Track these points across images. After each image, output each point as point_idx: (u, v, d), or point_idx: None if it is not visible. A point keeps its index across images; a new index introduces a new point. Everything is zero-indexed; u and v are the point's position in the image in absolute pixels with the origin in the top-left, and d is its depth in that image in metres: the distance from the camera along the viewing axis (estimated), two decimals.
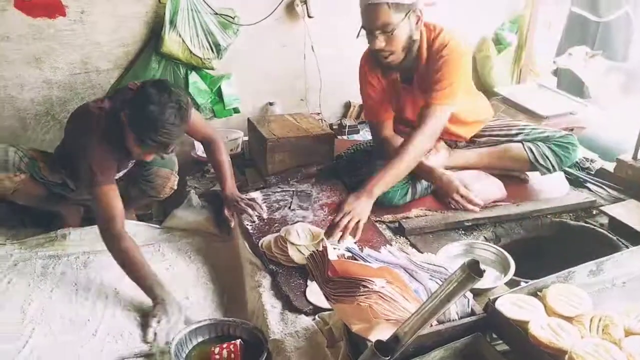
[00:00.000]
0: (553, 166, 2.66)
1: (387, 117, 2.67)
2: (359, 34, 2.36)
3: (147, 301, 2.24)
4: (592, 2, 4.30)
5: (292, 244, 2.20)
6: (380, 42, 2.31)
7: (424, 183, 2.62)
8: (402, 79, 2.58)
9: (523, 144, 2.69)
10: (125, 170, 2.63)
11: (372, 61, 2.56)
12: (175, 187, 2.82)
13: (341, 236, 2.13)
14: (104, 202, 2.22)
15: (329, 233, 2.14)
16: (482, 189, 2.56)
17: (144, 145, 2.23)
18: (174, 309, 2.15)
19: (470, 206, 2.46)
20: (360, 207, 2.18)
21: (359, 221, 2.16)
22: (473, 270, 1.05)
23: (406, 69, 2.51)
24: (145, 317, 2.15)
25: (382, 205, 2.55)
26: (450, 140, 2.77)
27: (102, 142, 2.26)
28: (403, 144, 2.39)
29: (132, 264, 2.21)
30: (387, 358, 1.13)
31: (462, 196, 2.46)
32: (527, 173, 2.77)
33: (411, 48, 2.41)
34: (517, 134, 2.72)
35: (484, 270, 1.07)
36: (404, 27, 2.30)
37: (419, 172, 2.53)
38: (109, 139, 2.27)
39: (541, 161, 2.65)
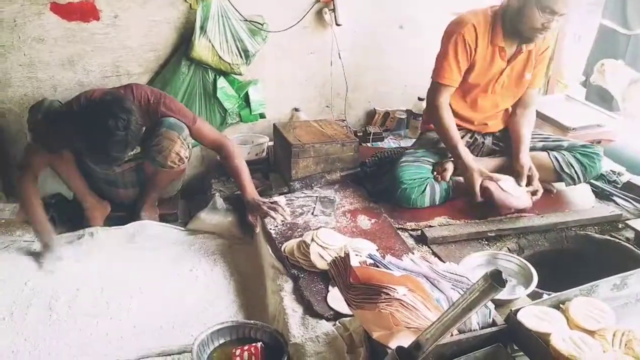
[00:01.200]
0: (578, 176, 2.65)
1: (454, 83, 2.70)
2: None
3: (171, 298, 2.28)
4: (623, 15, 4.26)
5: (321, 246, 2.21)
6: (553, 25, 2.48)
7: (443, 184, 2.65)
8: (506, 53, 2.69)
9: (548, 153, 2.68)
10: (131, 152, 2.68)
11: (480, 22, 2.64)
12: (183, 156, 2.69)
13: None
14: (31, 155, 2.60)
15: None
16: (511, 189, 2.57)
17: (89, 159, 2.58)
18: (52, 258, 2.55)
19: (502, 195, 2.52)
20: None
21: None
22: (495, 280, 1.05)
23: (514, 42, 2.67)
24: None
25: (400, 203, 2.60)
26: (481, 132, 2.89)
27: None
28: (519, 123, 2.77)
29: (26, 203, 2.63)
30: None
31: (490, 179, 2.54)
32: (554, 184, 2.75)
33: None
34: (540, 142, 2.74)
35: (507, 281, 1.07)
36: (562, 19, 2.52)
37: (454, 154, 2.66)
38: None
39: (566, 169, 2.65)
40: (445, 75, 2.66)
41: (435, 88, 2.71)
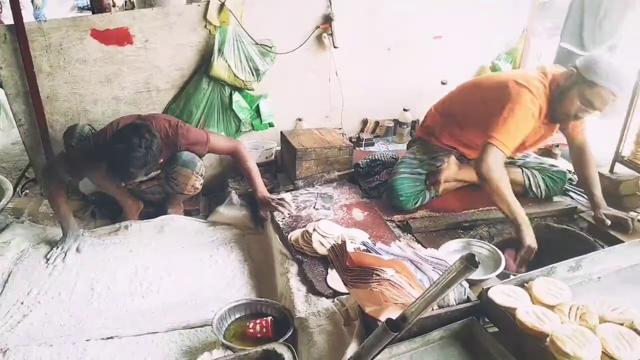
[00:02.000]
0: (542, 195, 2.64)
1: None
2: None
3: (194, 279, 2.28)
4: (579, 38, 4.26)
5: (321, 235, 2.21)
6: (587, 117, 2.30)
7: (433, 192, 2.61)
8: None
9: (522, 170, 2.66)
10: (154, 173, 2.65)
11: (546, 107, 2.31)
12: (199, 186, 2.71)
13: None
14: (61, 165, 2.51)
15: None
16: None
17: (109, 175, 2.45)
18: (69, 240, 2.56)
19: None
20: None
21: None
22: (470, 262, 1.05)
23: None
24: None
25: (395, 209, 2.56)
26: (464, 154, 2.71)
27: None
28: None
29: (51, 197, 2.60)
30: (396, 333, 1.14)
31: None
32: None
33: None
34: (519, 160, 2.70)
35: (479, 262, 1.07)
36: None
37: (516, 224, 2.18)
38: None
39: (534, 189, 2.64)
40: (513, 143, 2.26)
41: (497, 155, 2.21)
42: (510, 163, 2.63)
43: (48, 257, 2.50)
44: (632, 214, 2.43)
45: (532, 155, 2.78)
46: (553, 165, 2.73)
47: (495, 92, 2.35)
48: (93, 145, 2.50)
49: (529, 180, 2.64)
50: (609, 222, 2.30)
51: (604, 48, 4.20)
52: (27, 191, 3.25)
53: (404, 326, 1.14)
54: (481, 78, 2.69)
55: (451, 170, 2.62)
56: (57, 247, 2.54)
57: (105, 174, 2.47)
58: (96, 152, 2.45)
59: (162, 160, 2.52)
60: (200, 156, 2.69)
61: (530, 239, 2.13)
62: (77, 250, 2.55)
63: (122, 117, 2.63)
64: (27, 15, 2.63)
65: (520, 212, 2.16)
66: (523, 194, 2.63)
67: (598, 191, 2.42)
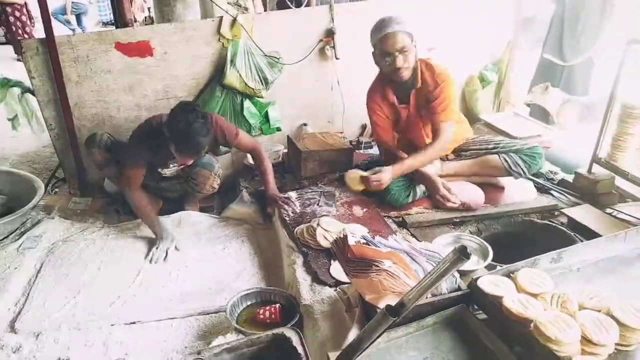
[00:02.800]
0: (524, 171, 2.62)
1: (390, 137, 2.69)
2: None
3: (209, 270, 2.28)
4: (560, 50, 4.25)
5: (324, 229, 2.21)
6: (400, 61, 2.39)
7: (422, 187, 2.61)
8: (400, 101, 2.61)
9: (499, 155, 2.65)
10: (174, 169, 2.71)
11: (377, 91, 2.62)
12: (216, 186, 2.78)
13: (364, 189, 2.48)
14: (129, 176, 2.53)
15: (365, 182, 2.44)
16: (463, 194, 2.50)
17: (181, 153, 2.38)
18: (167, 241, 2.49)
19: (448, 204, 2.46)
20: (384, 176, 2.41)
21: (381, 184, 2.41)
22: (462, 253, 1.06)
23: (405, 88, 2.55)
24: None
25: (389, 204, 2.55)
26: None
27: (143, 141, 2.51)
28: (425, 147, 2.53)
29: (139, 209, 2.57)
30: (395, 318, 1.14)
31: (442, 196, 2.47)
32: (504, 182, 2.72)
33: (415, 68, 2.48)
34: (494, 148, 2.68)
35: (470, 254, 1.07)
36: (412, 50, 2.41)
37: (417, 177, 2.54)
38: (148, 142, 2.49)
39: (514, 168, 2.61)
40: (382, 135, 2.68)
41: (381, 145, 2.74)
42: (485, 152, 2.66)
43: (150, 257, 2.43)
44: (608, 210, 2.43)
45: (505, 141, 2.76)
46: (525, 144, 2.71)
47: None
48: (144, 136, 2.50)
49: (507, 162, 2.61)
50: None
51: (583, 59, 4.20)
52: (57, 190, 3.26)
53: (402, 312, 1.14)
54: None
55: (434, 167, 2.61)
56: (157, 248, 2.47)
57: (175, 153, 2.40)
58: (154, 139, 2.44)
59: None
60: (229, 147, 2.75)
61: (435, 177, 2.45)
62: (176, 248, 2.50)
63: (156, 115, 2.63)
64: (57, 29, 2.62)
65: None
66: (507, 175, 2.63)
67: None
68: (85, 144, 2.78)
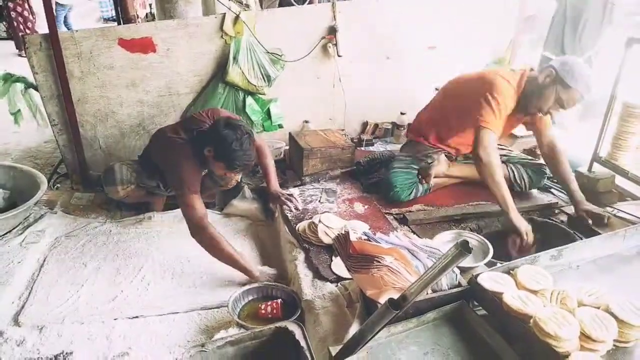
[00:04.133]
0: (526, 187, 2.65)
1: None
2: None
3: (211, 265, 2.29)
4: (560, 48, 4.26)
5: (326, 226, 2.22)
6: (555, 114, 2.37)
7: (425, 185, 2.62)
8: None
9: (507, 166, 2.66)
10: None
11: (516, 99, 2.38)
12: (240, 179, 2.88)
13: None
14: (192, 206, 2.18)
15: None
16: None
17: (233, 170, 2.27)
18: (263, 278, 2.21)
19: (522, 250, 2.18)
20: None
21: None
22: (464, 247, 1.07)
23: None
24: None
25: (391, 201, 2.57)
26: (451, 153, 2.74)
27: (191, 164, 2.27)
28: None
29: (219, 250, 2.18)
30: (397, 311, 1.16)
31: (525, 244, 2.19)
32: None
33: None
34: (503, 156, 2.70)
35: (472, 249, 1.08)
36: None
37: (506, 222, 2.26)
38: (195, 163, 2.28)
39: (518, 181, 2.64)
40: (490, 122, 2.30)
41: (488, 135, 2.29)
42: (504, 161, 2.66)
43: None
44: (608, 209, 2.44)
45: (514, 152, 2.80)
46: (533, 159, 2.76)
47: (474, 83, 2.42)
48: (189, 158, 2.27)
49: (514, 174, 2.64)
50: (590, 221, 2.30)
51: (583, 59, 4.20)
52: (59, 185, 3.27)
53: (404, 305, 1.15)
54: (457, 77, 2.67)
55: (442, 166, 2.66)
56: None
57: (227, 170, 2.26)
58: (196, 158, 2.27)
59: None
60: None
61: (521, 222, 2.16)
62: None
63: (167, 130, 2.44)
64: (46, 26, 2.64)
65: (509, 198, 2.20)
66: (509, 187, 2.63)
67: (575, 186, 2.41)
68: (104, 182, 2.60)
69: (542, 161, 2.70)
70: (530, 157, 2.77)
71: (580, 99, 2.21)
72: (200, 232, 2.19)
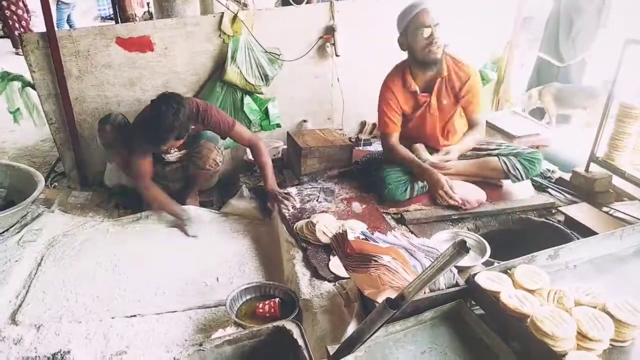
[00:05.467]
0: (522, 175, 2.65)
1: (396, 130, 2.68)
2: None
3: (209, 264, 2.29)
4: (556, 50, 4.28)
5: (323, 225, 2.22)
6: (437, 33, 2.43)
7: (420, 183, 2.62)
8: (422, 90, 2.61)
9: (499, 158, 2.67)
10: (176, 154, 2.75)
11: (397, 78, 2.63)
12: (219, 162, 2.77)
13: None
14: (137, 166, 2.58)
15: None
16: (464, 192, 2.52)
17: (147, 139, 2.46)
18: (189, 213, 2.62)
19: (451, 201, 2.46)
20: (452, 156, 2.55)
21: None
22: (462, 247, 1.07)
23: (429, 76, 2.58)
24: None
25: (387, 200, 2.57)
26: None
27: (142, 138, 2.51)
28: (466, 134, 2.67)
29: (154, 196, 2.65)
30: (395, 311, 1.16)
31: (445, 192, 2.46)
32: (502, 180, 2.75)
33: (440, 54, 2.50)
34: (494, 150, 2.71)
35: (470, 248, 1.09)
36: (439, 28, 2.45)
37: (418, 172, 2.55)
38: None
39: (512, 171, 2.64)
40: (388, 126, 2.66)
41: (384, 136, 2.71)
42: (486, 153, 2.69)
43: (192, 234, 2.58)
44: (605, 209, 2.45)
45: (505, 144, 2.80)
46: (525, 149, 2.75)
47: None
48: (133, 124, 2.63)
49: (506, 165, 2.64)
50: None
51: (577, 60, 4.24)
52: (56, 184, 3.26)
53: (402, 304, 1.15)
54: None
55: (424, 154, 2.63)
56: (187, 222, 2.62)
57: (143, 145, 2.51)
58: (135, 127, 2.55)
59: (192, 127, 2.55)
60: (223, 137, 2.76)
61: (438, 175, 2.46)
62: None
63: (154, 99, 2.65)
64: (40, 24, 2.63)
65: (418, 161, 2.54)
66: (505, 178, 2.67)
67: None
68: (99, 122, 2.79)
69: (535, 150, 2.74)
70: (522, 147, 2.75)
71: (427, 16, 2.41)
72: (139, 181, 2.64)
